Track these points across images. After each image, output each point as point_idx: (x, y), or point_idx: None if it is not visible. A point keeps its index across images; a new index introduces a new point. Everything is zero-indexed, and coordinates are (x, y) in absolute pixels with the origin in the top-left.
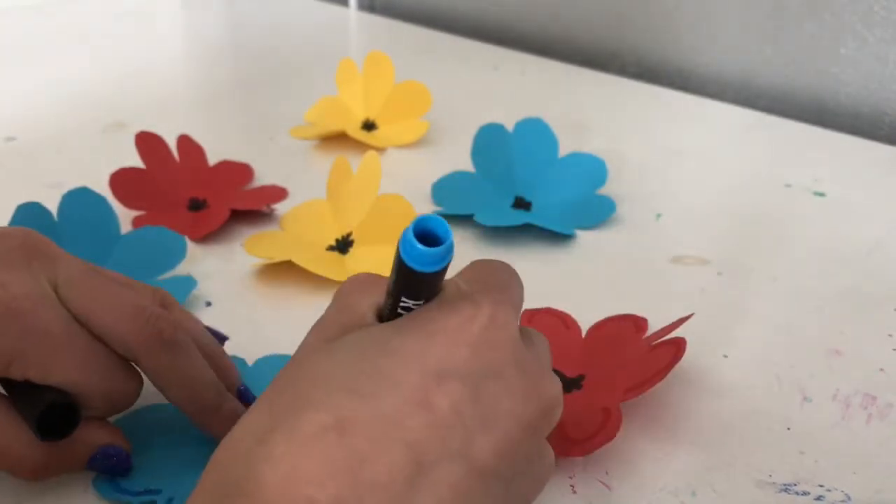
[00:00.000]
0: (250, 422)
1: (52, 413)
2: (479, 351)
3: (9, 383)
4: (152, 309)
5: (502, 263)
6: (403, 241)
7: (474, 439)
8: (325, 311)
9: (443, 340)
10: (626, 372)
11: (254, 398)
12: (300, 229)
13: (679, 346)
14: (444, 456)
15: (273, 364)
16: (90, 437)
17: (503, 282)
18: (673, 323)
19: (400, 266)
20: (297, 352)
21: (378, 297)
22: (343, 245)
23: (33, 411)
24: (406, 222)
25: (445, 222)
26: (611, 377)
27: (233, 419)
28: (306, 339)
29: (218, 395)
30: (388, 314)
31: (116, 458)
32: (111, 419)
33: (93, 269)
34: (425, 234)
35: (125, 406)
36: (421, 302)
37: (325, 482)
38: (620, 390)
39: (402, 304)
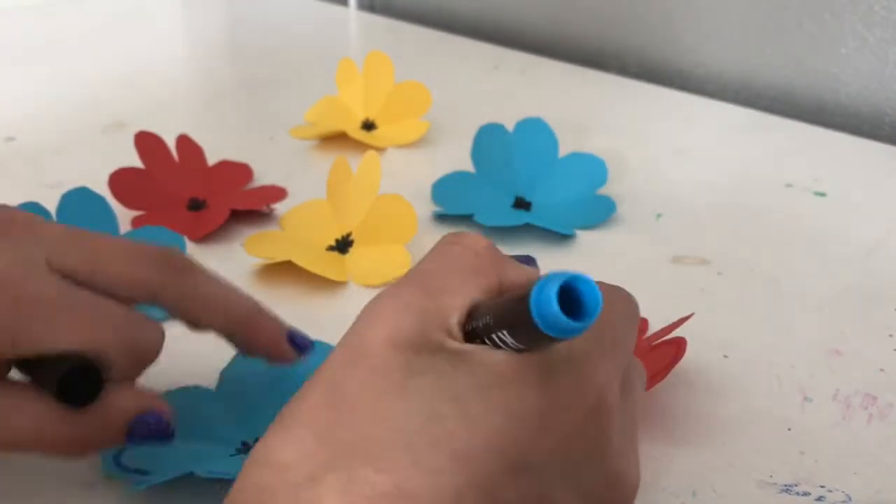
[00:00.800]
0: (302, 448)
1: (72, 377)
2: (569, 442)
3: (25, 363)
4: (152, 245)
5: (624, 296)
6: (540, 298)
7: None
8: (409, 285)
9: (532, 423)
10: None
11: (304, 341)
12: (300, 229)
13: (679, 345)
14: None
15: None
16: (123, 403)
17: (620, 333)
18: (673, 323)
19: (524, 317)
20: (364, 344)
21: (475, 290)
22: (343, 245)
23: (52, 380)
24: (406, 222)
25: (597, 289)
26: None
27: (274, 330)
28: (376, 324)
29: (252, 303)
30: (481, 331)
31: (155, 425)
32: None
33: (78, 229)
34: (569, 294)
35: (150, 358)
36: (522, 346)
37: None
38: None
39: (501, 335)
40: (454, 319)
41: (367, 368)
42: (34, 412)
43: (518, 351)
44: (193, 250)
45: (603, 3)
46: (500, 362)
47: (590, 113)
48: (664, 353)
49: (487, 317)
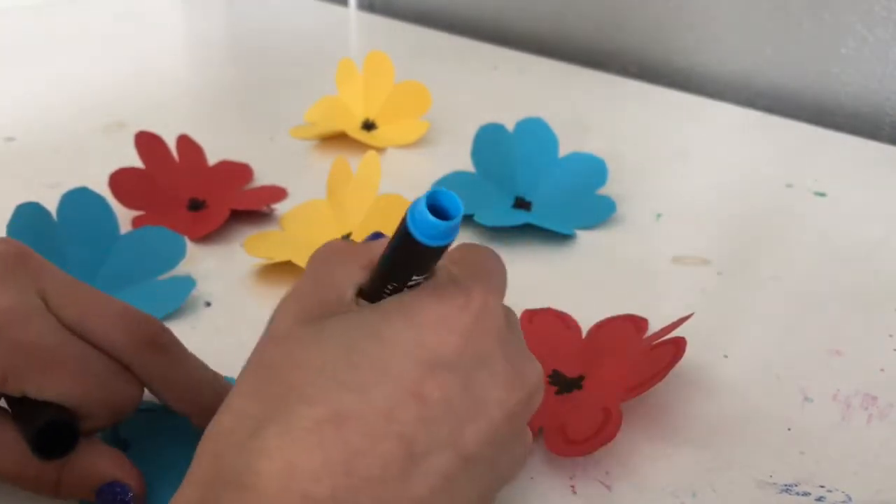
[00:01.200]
0: (240, 411)
1: (48, 431)
2: (469, 340)
3: (8, 398)
4: (143, 314)
5: (488, 250)
6: (414, 211)
7: (463, 428)
8: (301, 283)
9: (435, 329)
10: (626, 372)
11: None
12: (300, 229)
13: (679, 345)
14: (434, 446)
15: None
16: (98, 466)
17: (491, 269)
18: (673, 323)
19: (404, 239)
20: (276, 328)
21: (357, 270)
22: None
23: (28, 431)
24: None
25: (458, 198)
26: (611, 377)
27: None
28: (282, 314)
29: (216, 395)
30: (374, 292)
31: (121, 495)
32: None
33: (78, 281)
34: (436, 208)
35: (127, 412)
36: (417, 280)
37: (321, 477)
38: (620, 390)
39: (392, 284)
40: (350, 293)
41: (282, 342)
42: (16, 451)
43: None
44: (193, 250)
45: (603, 3)
46: (398, 297)
47: (590, 113)
48: (664, 352)
49: (377, 271)
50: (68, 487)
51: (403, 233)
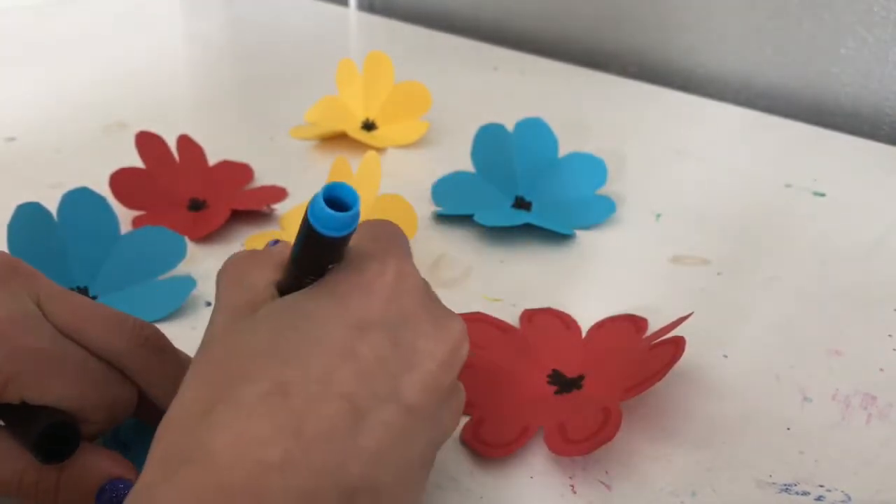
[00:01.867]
0: (189, 398)
1: (51, 434)
2: (391, 301)
3: (4, 406)
4: (137, 319)
5: (388, 222)
6: (313, 206)
7: (400, 381)
8: (222, 294)
9: (357, 297)
10: (625, 371)
11: None
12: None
13: (678, 344)
14: (376, 400)
15: None
16: (99, 466)
17: (396, 238)
18: (672, 322)
19: (308, 233)
20: (210, 333)
21: (270, 270)
22: None
23: (30, 434)
24: (406, 223)
25: (354, 190)
26: (611, 377)
27: None
28: (215, 321)
29: None
30: (291, 285)
31: (123, 492)
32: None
33: (70, 290)
34: (334, 202)
35: (125, 415)
36: (327, 269)
37: (271, 442)
38: (620, 390)
39: (310, 277)
40: (270, 289)
41: (220, 339)
42: (14, 461)
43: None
44: (194, 250)
45: (603, 3)
46: (318, 281)
47: (590, 113)
48: (664, 352)
49: (289, 266)
50: (67, 492)
51: (307, 228)
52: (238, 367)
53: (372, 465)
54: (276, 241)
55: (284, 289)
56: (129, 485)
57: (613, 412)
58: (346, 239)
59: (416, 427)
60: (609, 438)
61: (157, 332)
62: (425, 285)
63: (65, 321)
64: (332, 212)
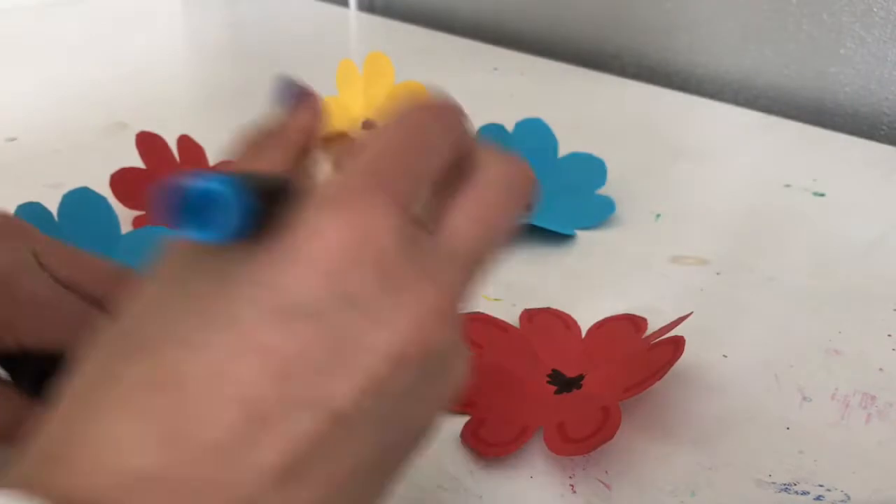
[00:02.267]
0: (85, 367)
1: (51, 375)
2: (337, 278)
3: (6, 360)
4: (131, 269)
5: (398, 125)
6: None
7: (330, 383)
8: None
9: (292, 268)
10: (625, 371)
11: None
12: None
13: (678, 344)
14: (290, 406)
15: None
16: None
17: (391, 163)
18: (672, 322)
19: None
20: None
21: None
22: None
23: (31, 377)
24: None
25: (231, 186)
26: (610, 376)
27: None
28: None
29: None
30: None
31: None
32: None
33: (65, 243)
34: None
35: None
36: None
37: (145, 448)
38: (620, 389)
39: None
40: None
41: (150, 279)
42: (11, 408)
43: None
44: None
45: (603, 3)
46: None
47: (590, 113)
48: (663, 351)
49: None
50: None
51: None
52: (139, 336)
53: (275, 484)
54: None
55: None
56: None
57: (613, 412)
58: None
59: (353, 435)
60: (608, 438)
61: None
62: (402, 239)
63: (63, 274)
64: (194, 234)
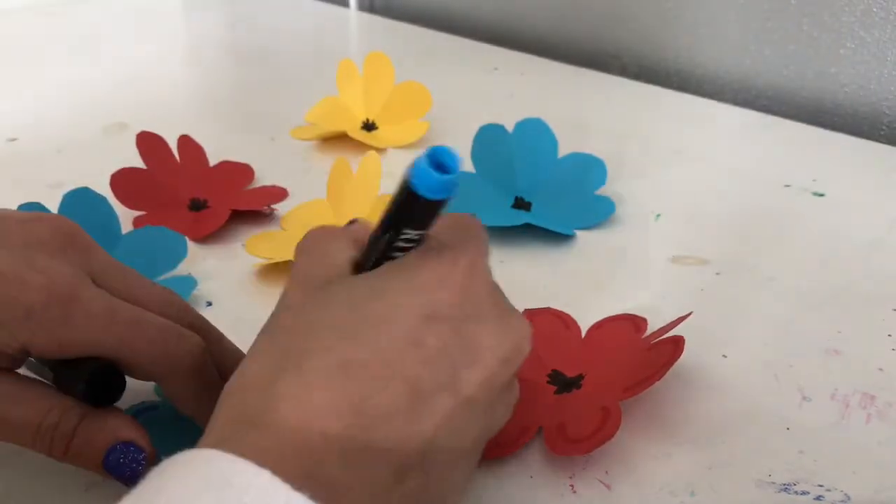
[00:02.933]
0: (256, 368)
1: (99, 378)
2: (462, 295)
3: (56, 361)
4: (183, 301)
5: (471, 216)
6: (416, 168)
7: (461, 372)
8: (299, 264)
9: (431, 287)
10: (625, 371)
11: None
12: (301, 229)
13: (678, 344)
14: (436, 387)
15: None
16: (114, 425)
17: (476, 233)
18: (672, 322)
19: (406, 194)
20: (283, 303)
21: (347, 246)
22: None
23: (80, 378)
24: None
25: (457, 155)
26: (610, 376)
27: None
28: (288, 291)
29: None
30: (367, 264)
31: (134, 456)
32: None
33: (122, 264)
34: (435, 165)
35: (184, 367)
36: (411, 236)
37: (335, 416)
38: (619, 389)
39: (398, 241)
40: (346, 265)
41: (292, 309)
42: (41, 401)
43: (403, 250)
44: (194, 250)
45: (603, 4)
46: (395, 262)
47: (590, 113)
48: (663, 351)
49: (375, 236)
50: (79, 442)
51: (405, 188)
52: (308, 339)
53: (426, 448)
54: (355, 221)
55: (360, 267)
56: (138, 450)
57: (613, 411)
58: (440, 205)
59: (471, 417)
60: (608, 438)
61: (203, 319)
62: (495, 282)
63: (119, 291)
64: (436, 173)
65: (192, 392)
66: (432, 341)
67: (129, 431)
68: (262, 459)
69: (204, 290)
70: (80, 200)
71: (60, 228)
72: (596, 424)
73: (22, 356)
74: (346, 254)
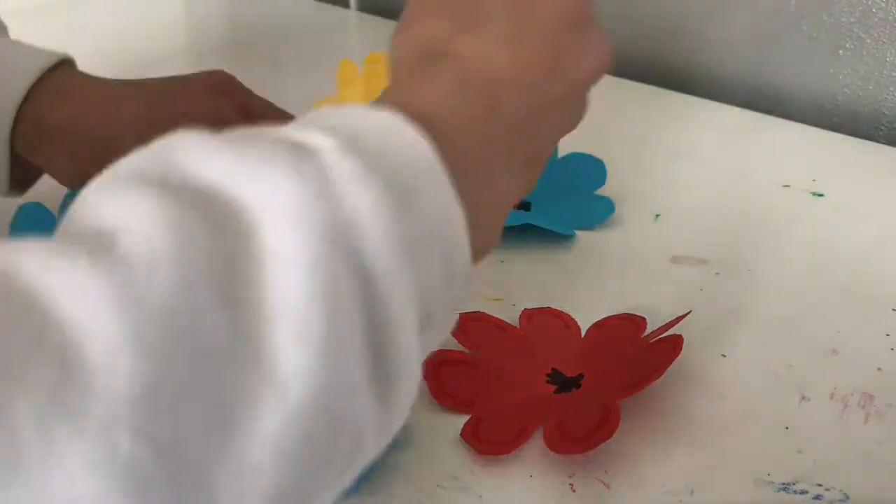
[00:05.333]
0: (432, 24)
1: None
2: (583, 9)
3: None
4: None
5: None
6: None
7: (580, 64)
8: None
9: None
10: (624, 370)
11: None
12: None
13: (676, 343)
14: (566, 69)
15: None
16: None
17: None
18: (670, 321)
19: None
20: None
21: None
22: None
23: None
24: None
25: None
26: (609, 376)
27: None
28: None
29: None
30: None
31: None
32: None
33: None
34: None
35: None
36: None
37: (507, 71)
38: (619, 388)
39: None
40: None
41: None
42: None
43: None
44: None
45: (602, 4)
46: None
47: (589, 113)
48: (661, 350)
49: None
50: None
51: None
52: (478, 5)
53: (550, 98)
54: None
55: None
56: None
57: (612, 410)
58: None
59: (568, 108)
60: (608, 437)
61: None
62: (588, 15)
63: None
64: None
65: None
66: (567, 38)
67: None
68: (449, 83)
69: None
70: None
71: (223, 79)
72: (595, 423)
73: None
74: None
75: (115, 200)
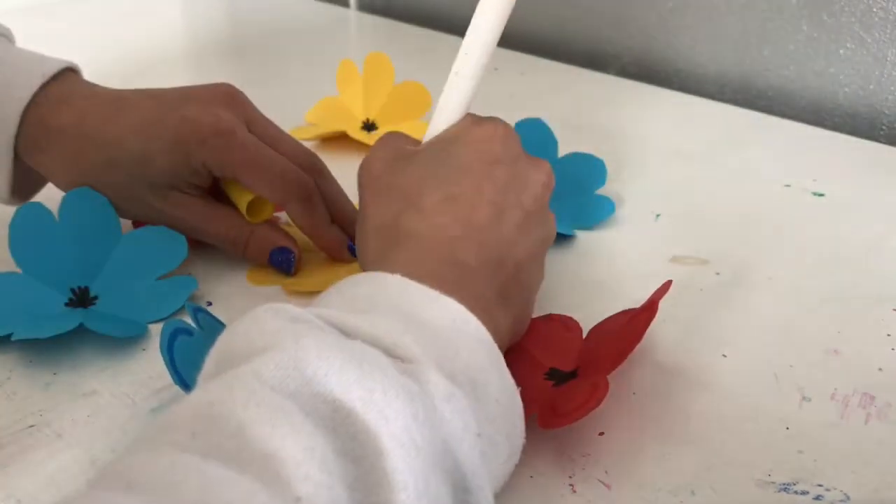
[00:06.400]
0: (376, 212)
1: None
2: (505, 146)
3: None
4: (301, 175)
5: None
6: None
7: (521, 195)
8: (375, 149)
9: (484, 142)
10: (613, 351)
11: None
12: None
13: (651, 306)
14: (508, 206)
15: None
16: (275, 235)
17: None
18: (654, 293)
19: None
20: (368, 175)
21: (408, 140)
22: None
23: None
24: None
25: None
26: (602, 362)
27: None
28: (369, 166)
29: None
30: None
31: (286, 255)
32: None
33: (265, 117)
34: None
35: (294, 195)
36: None
37: (454, 227)
38: (607, 365)
39: None
40: (411, 147)
41: (383, 175)
42: (228, 218)
43: None
44: (194, 251)
45: (602, 3)
46: (445, 131)
47: (590, 113)
48: (642, 318)
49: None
50: (253, 244)
51: None
52: (412, 189)
53: (510, 245)
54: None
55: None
56: (289, 251)
57: (601, 384)
58: None
59: (532, 225)
60: (594, 406)
61: (313, 188)
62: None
63: (266, 137)
64: None
65: (301, 213)
66: (500, 175)
67: (282, 240)
68: (417, 258)
69: (204, 290)
70: (80, 200)
71: (227, 91)
72: (584, 397)
73: (205, 171)
74: (408, 141)
75: (275, 429)
